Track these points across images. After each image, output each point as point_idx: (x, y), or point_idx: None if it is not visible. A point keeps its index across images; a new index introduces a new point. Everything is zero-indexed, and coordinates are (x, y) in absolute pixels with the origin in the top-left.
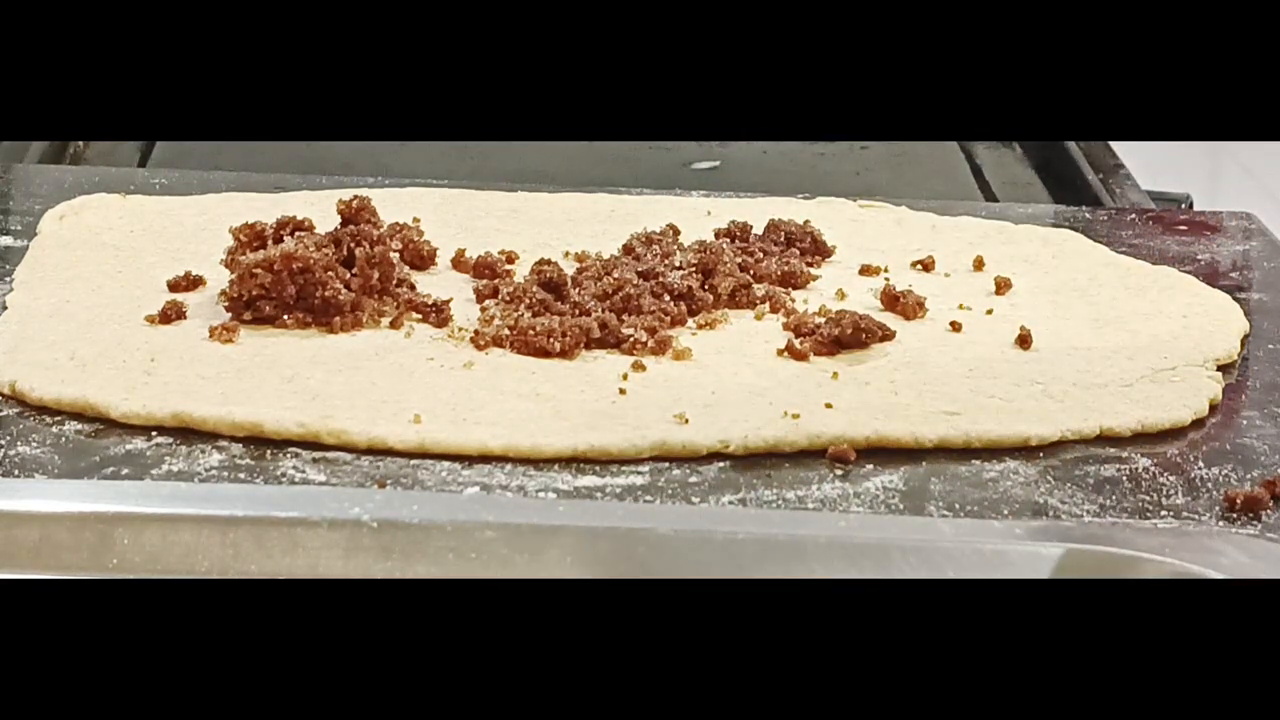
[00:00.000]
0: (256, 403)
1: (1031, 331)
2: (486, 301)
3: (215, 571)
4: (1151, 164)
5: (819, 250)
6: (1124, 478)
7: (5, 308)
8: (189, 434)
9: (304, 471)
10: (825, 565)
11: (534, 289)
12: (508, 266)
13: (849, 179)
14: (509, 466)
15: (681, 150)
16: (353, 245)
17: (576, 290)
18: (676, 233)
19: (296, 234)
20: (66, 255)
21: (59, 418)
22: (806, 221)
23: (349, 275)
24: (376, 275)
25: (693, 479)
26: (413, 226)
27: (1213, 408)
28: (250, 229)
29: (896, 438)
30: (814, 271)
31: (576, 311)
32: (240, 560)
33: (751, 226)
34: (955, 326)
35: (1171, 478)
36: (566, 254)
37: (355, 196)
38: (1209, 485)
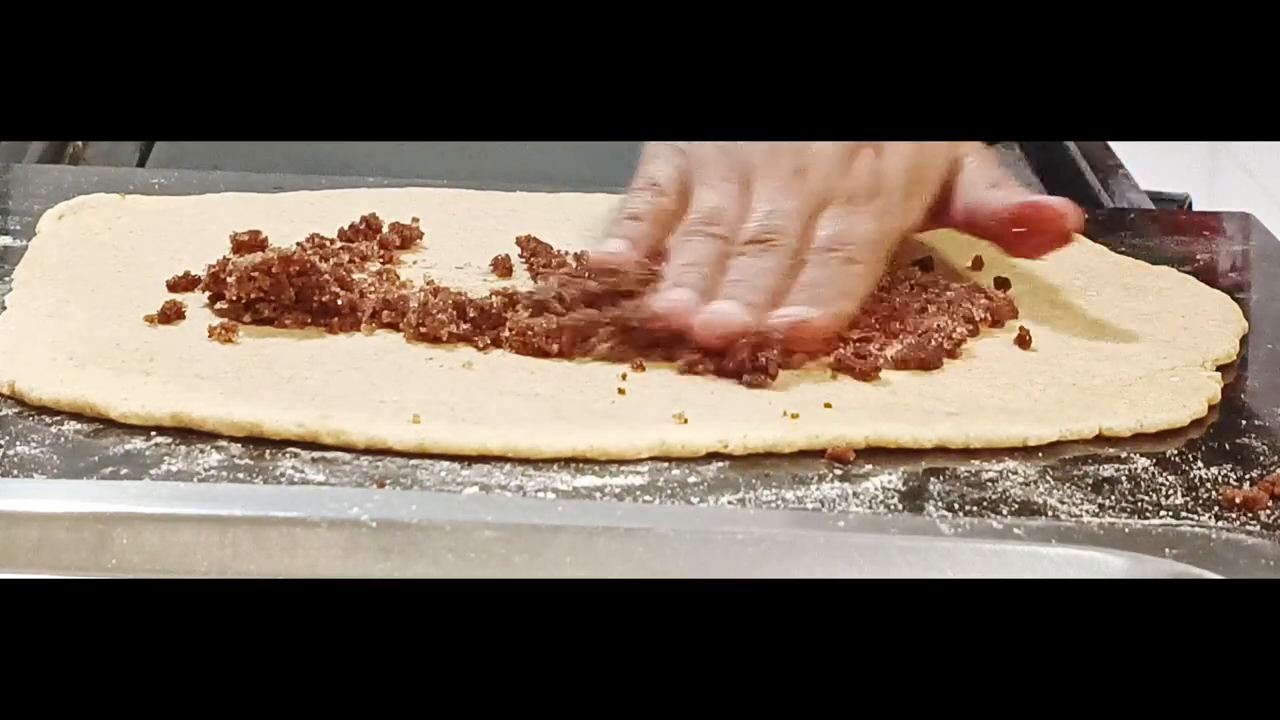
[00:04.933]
0: (255, 403)
1: (1031, 331)
2: None
3: (214, 571)
4: (1151, 164)
5: None
6: (1123, 478)
7: (4, 308)
8: (188, 434)
9: (303, 471)
10: (825, 565)
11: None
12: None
13: None
14: (508, 466)
15: None
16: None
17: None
18: None
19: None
20: (66, 255)
21: (58, 418)
22: None
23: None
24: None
25: (692, 479)
26: (413, 226)
27: (1211, 408)
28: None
29: (896, 438)
30: None
31: None
32: (239, 560)
33: None
34: None
35: (1170, 478)
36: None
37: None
38: (1208, 485)
